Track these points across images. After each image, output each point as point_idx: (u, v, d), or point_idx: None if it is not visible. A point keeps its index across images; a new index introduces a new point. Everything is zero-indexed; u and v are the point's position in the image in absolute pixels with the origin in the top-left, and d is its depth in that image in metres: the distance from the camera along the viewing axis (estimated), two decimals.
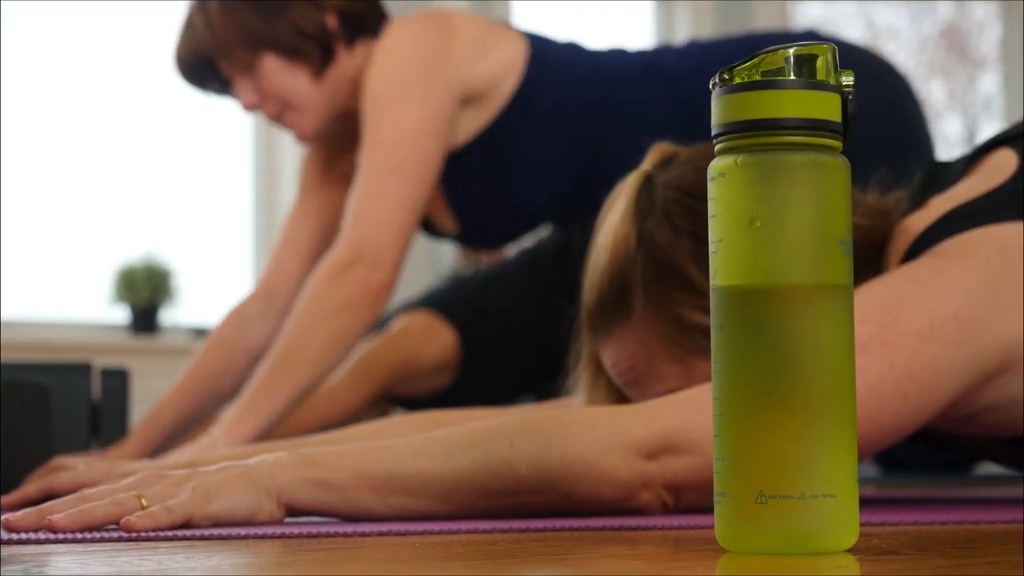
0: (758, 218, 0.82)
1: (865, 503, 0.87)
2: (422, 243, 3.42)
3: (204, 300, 4.07)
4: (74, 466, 1.35)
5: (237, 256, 4.22)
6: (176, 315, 4.01)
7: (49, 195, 3.97)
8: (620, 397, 1.39)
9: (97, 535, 0.97)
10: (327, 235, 2.23)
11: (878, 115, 1.99)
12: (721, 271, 0.84)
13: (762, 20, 4.85)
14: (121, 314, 3.98)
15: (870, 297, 1.19)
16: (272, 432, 1.87)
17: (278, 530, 1.01)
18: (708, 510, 1.16)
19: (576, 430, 1.14)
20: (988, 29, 5.95)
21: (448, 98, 2.08)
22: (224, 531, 1.01)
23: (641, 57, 2.19)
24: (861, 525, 0.83)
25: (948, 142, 5.85)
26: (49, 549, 0.90)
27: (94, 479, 1.33)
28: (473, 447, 1.14)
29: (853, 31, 5.72)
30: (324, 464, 1.11)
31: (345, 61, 2.12)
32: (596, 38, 2.28)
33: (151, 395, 2.77)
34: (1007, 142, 1.39)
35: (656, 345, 1.33)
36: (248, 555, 0.87)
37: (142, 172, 4.09)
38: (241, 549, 0.90)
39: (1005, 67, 5.60)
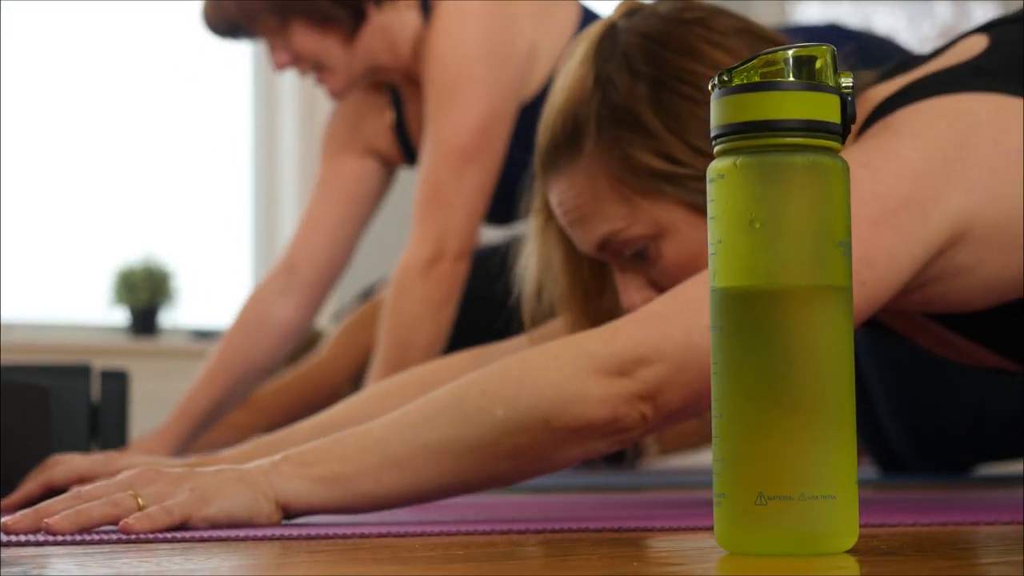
0: (757, 219, 0.82)
1: (865, 504, 0.87)
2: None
3: (204, 302, 4.07)
4: (71, 459, 1.35)
5: (237, 258, 4.22)
6: (176, 317, 4.01)
7: (49, 196, 3.96)
8: (568, 247, 1.39)
9: (96, 537, 0.97)
10: (350, 207, 2.21)
11: None
12: (720, 272, 0.84)
13: (761, 20, 4.84)
14: (121, 316, 3.98)
15: None
16: (270, 410, 1.87)
17: (277, 532, 1.01)
18: (688, 416, 1.18)
19: (541, 362, 1.14)
20: None
21: (516, 75, 2.06)
22: (223, 533, 1.01)
23: None
24: (861, 526, 0.83)
25: None
26: (48, 551, 0.90)
27: (91, 470, 1.32)
28: (448, 406, 1.14)
29: None
30: (316, 461, 1.11)
31: (376, 20, 2.10)
32: None
33: (151, 397, 2.77)
34: (981, 30, 1.39)
35: (604, 183, 1.33)
36: (247, 556, 0.87)
37: (141, 174, 4.09)
38: (240, 550, 0.90)
39: None
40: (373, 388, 1.50)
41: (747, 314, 0.83)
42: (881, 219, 1.18)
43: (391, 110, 2.25)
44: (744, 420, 0.82)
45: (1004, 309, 1.34)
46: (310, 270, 2.19)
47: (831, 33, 2.17)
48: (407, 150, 2.25)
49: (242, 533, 1.00)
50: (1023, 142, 1.24)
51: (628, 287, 1.36)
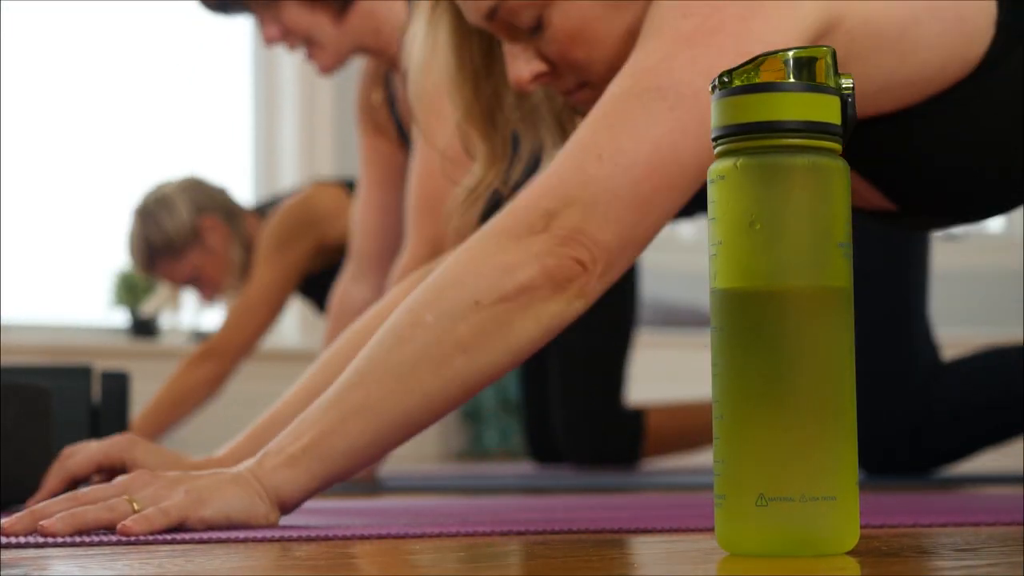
0: (758, 220, 0.82)
1: (864, 505, 0.87)
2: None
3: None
4: (85, 447, 1.35)
5: None
6: (176, 318, 4.01)
7: (49, 198, 3.97)
8: (457, 24, 1.38)
9: (96, 538, 0.97)
10: (395, 181, 2.27)
11: None
12: (721, 274, 0.84)
13: None
14: (121, 317, 3.98)
15: (648, 61, 1.20)
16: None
17: (277, 532, 1.01)
18: (643, 243, 1.18)
19: (453, 261, 1.15)
20: None
21: None
22: (223, 534, 1.01)
23: None
24: (861, 527, 0.83)
25: None
26: (49, 553, 0.90)
27: (108, 455, 1.32)
28: (382, 338, 1.13)
29: None
30: (288, 444, 1.10)
31: (365, 2, 2.16)
32: None
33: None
34: None
35: None
36: (248, 557, 0.87)
37: (142, 175, 4.09)
38: (241, 551, 0.90)
39: None
40: (324, 357, 1.48)
41: (747, 315, 0.83)
42: (748, 13, 1.19)
43: (382, 88, 2.30)
44: (745, 421, 0.82)
45: (874, 123, 1.35)
46: (374, 249, 2.26)
47: None
48: (400, 130, 2.29)
49: (242, 534, 1.00)
50: None
51: (517, 59, 1.34)
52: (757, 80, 0.84)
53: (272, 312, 2.81)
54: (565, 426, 2.84)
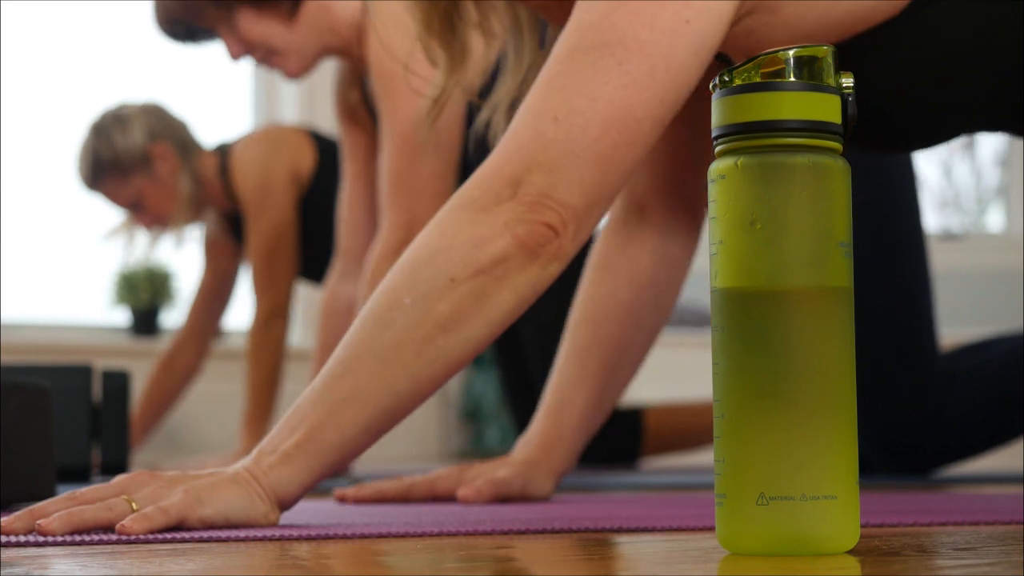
0: (758, 220, 0.82)
1: (864, 505, 0.87)
2: None
3: None
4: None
5: None
6: (176, 317, 4.01)
7: (50, 197, 3.97)
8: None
9: (96, 538, 0.97)
10: (374, 175, 2.26)
11: None
12: (721, 273, 0.84)
13: None
14: (122, 316, 3.98)
15: (591, 16, 1.20)
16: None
17: (277, 532, 1.01)
18: (607, 202, 1.18)
19: (422, 241, 1.15)
20: None
21: None
22: (223, 534, 1.01)
23: None
24: (861, 527, 0.83)
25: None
26: (50, 552, 0.90)
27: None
28: (363, 325, 1.13)
29: None
30: (281, 441, 1.10)
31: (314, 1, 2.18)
32: None
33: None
34: None
35: None
36: (248, 557, 0.87)
37: None
38: (241, 551, 0.90)
39: None
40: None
41: (748, 315, 0.83)
42: (668, 40, 1.19)
43: (358, 88, 2.32)
44: (745, 421, 0.82)
45: None
46: (360, 247, 2.27)
47: None
48: (376, 121, 2.31)
49: (243, 534, 1.00)
50: None
51: None
52: (757, 79, 0.84)
53: (293, 248, 2.79)
54: None
